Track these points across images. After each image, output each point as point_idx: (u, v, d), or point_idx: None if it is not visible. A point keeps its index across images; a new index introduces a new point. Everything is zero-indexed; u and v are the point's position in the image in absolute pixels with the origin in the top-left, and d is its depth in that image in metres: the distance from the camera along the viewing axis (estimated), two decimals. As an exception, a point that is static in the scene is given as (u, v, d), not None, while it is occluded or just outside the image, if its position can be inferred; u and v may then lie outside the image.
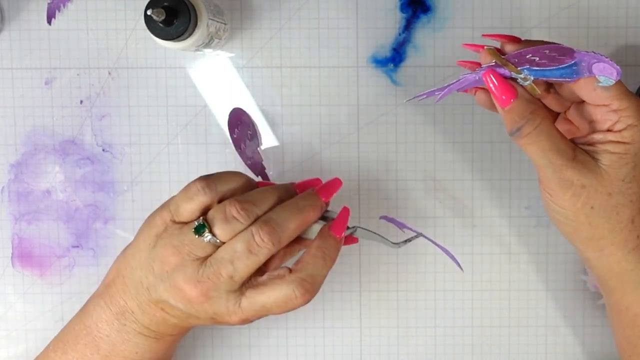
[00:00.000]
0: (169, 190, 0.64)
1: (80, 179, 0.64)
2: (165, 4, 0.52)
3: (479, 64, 0.51)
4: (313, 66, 0.63)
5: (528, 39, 0.50)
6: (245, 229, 0.49)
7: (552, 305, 0.65)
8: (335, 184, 0.54)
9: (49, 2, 0.63)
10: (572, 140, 0.50)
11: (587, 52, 0.46)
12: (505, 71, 0.48)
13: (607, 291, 0.54)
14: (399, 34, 0.63)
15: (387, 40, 0.63)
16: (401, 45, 0.63)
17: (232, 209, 0.49)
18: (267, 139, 0.64)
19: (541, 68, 0.47)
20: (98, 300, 0.54)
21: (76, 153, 0.64)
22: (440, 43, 0.63)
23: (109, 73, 0.64)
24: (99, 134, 0.64)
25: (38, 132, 0.64)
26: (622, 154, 0.48)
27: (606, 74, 0.46)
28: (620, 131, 0.47)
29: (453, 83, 0.51)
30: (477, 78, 0.49)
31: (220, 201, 0.50)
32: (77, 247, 0.65)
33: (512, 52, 0.49)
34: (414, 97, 0.52)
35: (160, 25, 0.52)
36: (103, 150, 0.64)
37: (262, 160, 0.63)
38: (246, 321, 0.50)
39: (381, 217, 0.57)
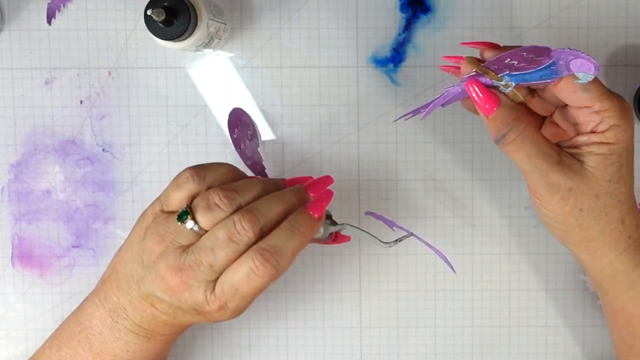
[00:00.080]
0: (169, 190, 0.64)
1: (80, 179, 0.64)
2: (165, 4, 0.52)
3: (458, 68, 0.51)
4: (313, 66, 0.63)
5: (507, 45, 0.51)
6: (228, 217, 0.48)
7: (552, 305, 0.65)
8: (325, 180, 0.53)
9: (49, 2, 0.63)
10: (558, 144, 0.50)
11: (562, 49, 0.46)
12: (486, 80, 0.49)
13: (602, 292, 0.54)
14: (399, 34, 0.63)
15: (387, 40, 0.63)
16: (401, 45, 0.63)
17: (215, 196, 0.48)
18: (267, 139, 0.64)
19: (521, 72, 0.47)
20: (93, 297, 0.54)
21: (76, 153, 0.64)
22: (440, 43, 0.63)
23: (109, 73, 0.64)
24: (99, 134, 0.64)
25: (38, 132, 0.64)
26: (607, 154, 0.48)
27: (584, 69, 0.46)
28: (603, 132, 0.48)
29: (437, 98, 0.51)
30: (461, 90, 0.50)
31: None
32: (77, 247, 0.65)
33: (491, 58, 0.49)
34: (400, 117, 0.53)
35: (160, 25, 0.52)
36: (103, 150, 0.64)
37: (262, 160, 0.63)
38: (226, 309, 0.49)
39: (367, 213, 0.57)
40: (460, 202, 0.64)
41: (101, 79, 0.63)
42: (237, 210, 0.48)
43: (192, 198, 0.49)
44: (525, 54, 0.47)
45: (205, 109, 0.64)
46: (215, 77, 0.64)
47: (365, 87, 0.63)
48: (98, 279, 0.64)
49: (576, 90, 0.47)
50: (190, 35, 0.53)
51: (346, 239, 0.55)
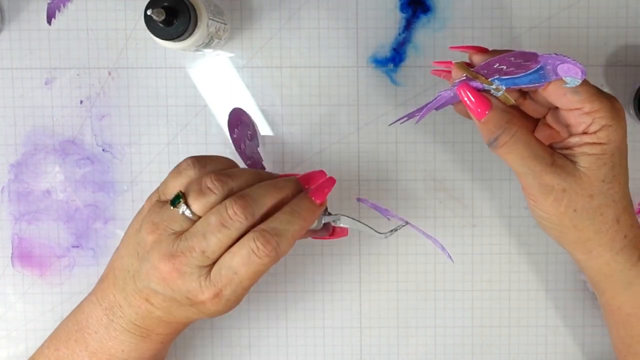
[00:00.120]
0: (169, 190, 0.64)
1: (80, 179, 0.64)
2: (165, 4, 0.52)
3: (450, 72, 0.51)
4: (313, 66, 0.63)
5: (495, 49, 0.51)
6: (221, 203, 0.48)
7: (552, 305, 0.65)
8: (319, 175, 0.53)
9: (49, 2, 0.63)
10: (550, 146, 0.50)
11: (549, 54, 0.46)
12: (477, 84, 0.49)
13: (599, 292, 0.54)
14: (399, 34, 0.63)
15: (387, 40, 0.63)
16: (401, 45, 0.63)
17: (207, 179, 0.48)
18: (267, 139, 0.64)
19: (510, 76, 0.48)
20: (91, 296, 0.54)
21: (76, 153, 0.64)
22: (440, 43, 0.63)
23: (109, 73, 0.64)
24: (99, 134, 0.64)
25: (38, 132, 0.64)
26: (600, 154, 0.48)
27: (571, 74, 0.46)
28: (595, 132, 0.48)
29: (430, 102, 0.52)
30: (453, 94, 0.50)
31: None
32: (77, 247, 0.65)
33: (480, 62, 0.49)
34: (395, 121, 0.53)
35: (160, 25, 0.52)
36: (103, 150, 0.64)
37: (262, 160, 0.63)
38: (220, 297, 0.49)
39: (358, 200, 0.56)
40: (460, 202, 0.64)
41: (101, 79, 0.64)
42: (230, 196, 0.48)
43: None
44: (513, 59, 0.48)
45: (205, 109, 0.64)
46: (215, 77, 0.64)
47: (365, 87, 0.63)
48: (98, 279, 0.64)
49: (565, 93, 0.47)
50: (190, 35, 0.53)
51: (344, 233, 0.55)
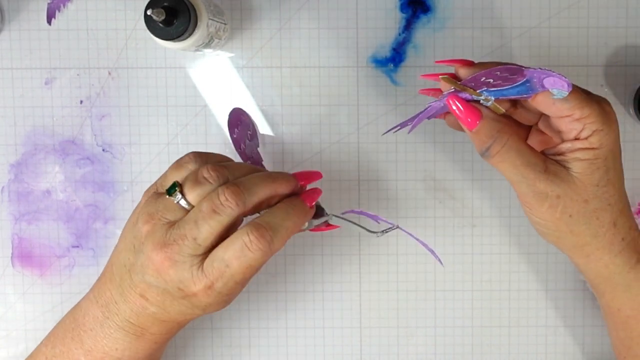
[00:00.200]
0: (169, 190, 0.64)
1: (80, 179, 0.64)
2: (165, 4, 0.52)
3: (440, 90, 0.52)
4: (313, 66, 0.63)
5: (481, 61, 0.51)
6: (213, 191, 0.48)
7: (552, 305, 0.65)
8: (314, 173, 0.54)
9: (49, 2, 0.63)
10: (543, 152, 0.50)
11: (535, 69, 0.46)
12: (466, 95, 0.49)
13: (599, 294, 0.54)
14: (399, 34, 0.63)
15: (387, 40, 0.63)
16: (401, 45, 0.63)
17: (204, 170, 0.48)
18: (267, 139, 0.64)
19: (498, 88, 0.48)
20: (89, 294, 0.54)
21: (76, 153, 0.64)
22: (440, 43, 0.63)
23: (109, 73, 0.64)
24: (99, 134, 0.64)
25: (38, 132, 0.64)
26: (593, 159, 0.48)
27: (558, 87, 0.46)
28: (587, 138, 0.48)
29: (421, 112, 0.52)
30: (443, 105, 0.50)
31: None
32: (77, 247, 0.65)
33: (467, 76, 0.50)
34: (388, 131, 0.54)
35: (160, 25, 0.52)
36: (103, 150, 0.64)
37: (262, 161, 0.63)
38: (212, 289, 0.48)
39: (349, 212, 0.56)
40: (460, 202, 0.64)
41: (101, 79, 0.63)
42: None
43: None
44: (499, 73, 0.48)
45: (205, 109, 0.64)
46: (215, 77, 0.64)
47: (365, 87, 0.63)
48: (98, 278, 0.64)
49: (554, 102, 0.47)
50: (190, 35, 0.53)
51: (336, 225, 0.55)
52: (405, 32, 0.63)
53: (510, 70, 0.48)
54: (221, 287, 0.48)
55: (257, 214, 0.51)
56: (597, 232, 0.50)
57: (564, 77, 0.45)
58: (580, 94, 0.47)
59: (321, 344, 0.65)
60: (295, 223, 0.49)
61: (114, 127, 0.64)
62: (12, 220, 0.64)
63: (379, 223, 0.56)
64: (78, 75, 0.63)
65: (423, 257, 0.64)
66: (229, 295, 0.50)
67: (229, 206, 0.47)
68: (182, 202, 0.48)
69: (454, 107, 0.49)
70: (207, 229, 0.47)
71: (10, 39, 0.63)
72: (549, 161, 0.49)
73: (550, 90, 0.46)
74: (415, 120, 0.53)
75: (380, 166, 0.64)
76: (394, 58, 0.63)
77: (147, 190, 0.52)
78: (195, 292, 0.48)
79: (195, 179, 0.48)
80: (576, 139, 0.48)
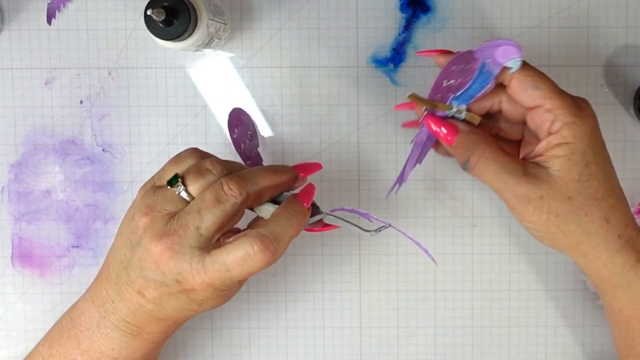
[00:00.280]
0: (169, 190, 0.64)
1: (80, 179, 0.64)
2: (165, 4, 0.52)
3: (417, 122, 0.52)
4: (313, 66, 0.63)
5: (459, 50, 0.51)
6: (216, 181, 0.49)
7: (552, 305, 0.65)
8: (314, 165, 0.54)
9: (49, 2, 0.63)
10: (524, 158, 0.50)
11: (481, 45, 0.48)
12: (440, 113, 0.50)
13: (601, 293, 0.54)
14: (399, 34, 0.63)
15: (387, 40, 0.63)
16: (401, 45, 0.63)
17: (207, 162, 0.49)
18: (267, 139, 0.64)
19: (463, 90, 0.49)
20: (85, 294, 0.54)
21: (76, 153, 0.64)
22: (440, 43, 0.63)
23: (109, 73, 0.64)
24: (99, 134, 0.64)
25: (38, 132, 0.64)
26: (569, 154, 0.48)
27: (510, 55, 0.47)
28: (559, 131, 0.48)
29: (410, 156, 0.52)
30: (426, 137, 0.51)
31: None
32: (77, 247, 0.65)
33: (444, 64, 0.51)
34: (390, 191, 0.53)
35: (160, 25, 0.52)
36: (103, 150, 0.64)
37: (262, 161, 0.63)
38: (210, 287, 0.48)
39: (340, 209, 0.56)
40: (460, 202, 0.64)
41: (101, 79, 0.64)
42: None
43: None
44: (455, 67, 0.49)
45: (205, 109, 0.64)
46: (215, 77, 0.64)
47: (365, 87, 0.63)
48: (98, 279, 0.64)
49: (526, 88, 0.48)
50: (190, 35, 0.53)
51: (335, 225, 0.55)
52: (405, 32, 0.63)
53: (463, 59, 0.48)
54: (219, 284, 0.49)
55: (257, 215, 0.52)
56: (589, 229, 0.50)
57: (510, 41, 0.47)
58: (553, 85, 0.48)
59: (321, 344, 0.65)
60: (296, 230, 0.50)
61: (114, 127, 0.64)
62: (12, 220, 0.64)
63: (371, 221, 0.55)
64: (78, 75, 0.63)
65: (423, 257, 0.64)
66: (225, 290, 0.50)
67: (232, 195, 0.48)
68: (183, 194, 0.49)
69: (433, 126, 0.50)
70: (211, 218, 0.47)
71: (10, 39, 0.63)
72: (528, 165, 0.49)
73: (505, 64, 0.47)
74: (406, 168, 0.52)
75: (380, 166, 0.64)
76: (394, 58, 0.63)
77: (144, 186, 0.52)
78: (193, 286, 0.48)
79: (198, 170, 0.49)
80: (550, 133, 0.48)
